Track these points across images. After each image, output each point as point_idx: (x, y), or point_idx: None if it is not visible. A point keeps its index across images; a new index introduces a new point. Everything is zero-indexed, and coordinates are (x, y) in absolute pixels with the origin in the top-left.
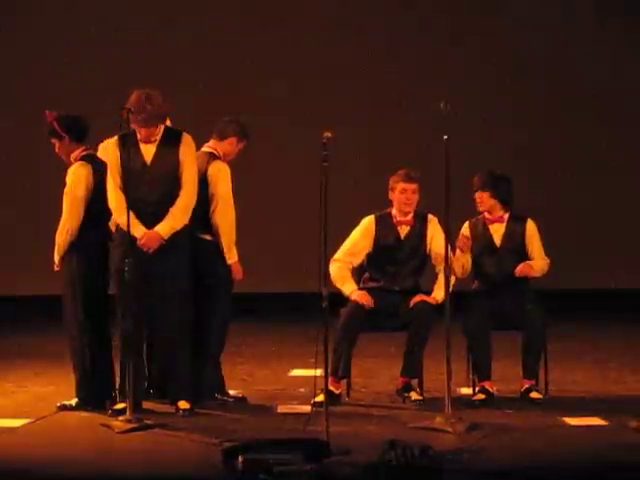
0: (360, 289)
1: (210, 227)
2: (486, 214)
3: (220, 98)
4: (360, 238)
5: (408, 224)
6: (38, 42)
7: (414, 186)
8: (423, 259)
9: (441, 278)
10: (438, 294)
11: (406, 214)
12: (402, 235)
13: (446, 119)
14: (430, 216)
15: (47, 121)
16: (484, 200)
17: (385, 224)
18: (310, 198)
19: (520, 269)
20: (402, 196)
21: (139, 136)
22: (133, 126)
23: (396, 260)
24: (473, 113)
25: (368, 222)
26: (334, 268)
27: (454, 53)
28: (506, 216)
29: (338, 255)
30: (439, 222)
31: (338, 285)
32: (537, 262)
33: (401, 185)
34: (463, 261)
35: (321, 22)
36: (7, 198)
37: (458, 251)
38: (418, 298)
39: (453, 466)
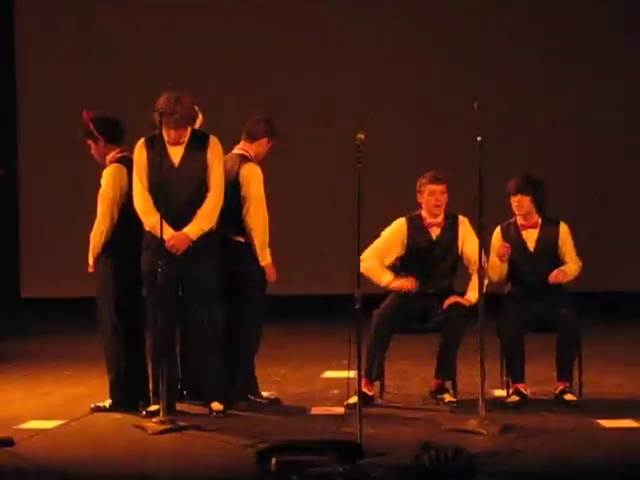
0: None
1: (243, 229)
2: (519, 219)
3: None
4: (392, 242)
5: (439, 226)
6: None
7: (442, 187)
8: (455, 260)
9: (474, 280)
10: (472, 295)
11: (436, 216)
12: (434, 237)
13: (479, 120)
14: (461, 217)
15: (83, 122)
16: (524, 204)
17: (416, 226)
18: (342, 199)
19: (554, 277)
20: (431, 198)
21: (167, 138)
22: (163, 128)
23: (429, 262)
24: (504, 115)
25: (400, 225)
26: (366, 265)
27: (487, 54)
28: (539, 220)
29: (368, 254)
30: (471, 224)
31: (375, 279)
32: (570, 266)
33: (429, 187)
34: (500, 271)
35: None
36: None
37: (496, 259)
38: (452, 300)
39: (487, 468)
